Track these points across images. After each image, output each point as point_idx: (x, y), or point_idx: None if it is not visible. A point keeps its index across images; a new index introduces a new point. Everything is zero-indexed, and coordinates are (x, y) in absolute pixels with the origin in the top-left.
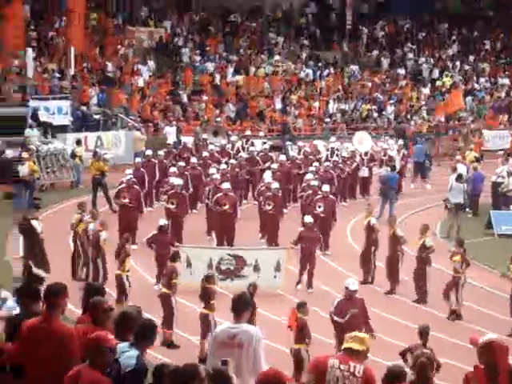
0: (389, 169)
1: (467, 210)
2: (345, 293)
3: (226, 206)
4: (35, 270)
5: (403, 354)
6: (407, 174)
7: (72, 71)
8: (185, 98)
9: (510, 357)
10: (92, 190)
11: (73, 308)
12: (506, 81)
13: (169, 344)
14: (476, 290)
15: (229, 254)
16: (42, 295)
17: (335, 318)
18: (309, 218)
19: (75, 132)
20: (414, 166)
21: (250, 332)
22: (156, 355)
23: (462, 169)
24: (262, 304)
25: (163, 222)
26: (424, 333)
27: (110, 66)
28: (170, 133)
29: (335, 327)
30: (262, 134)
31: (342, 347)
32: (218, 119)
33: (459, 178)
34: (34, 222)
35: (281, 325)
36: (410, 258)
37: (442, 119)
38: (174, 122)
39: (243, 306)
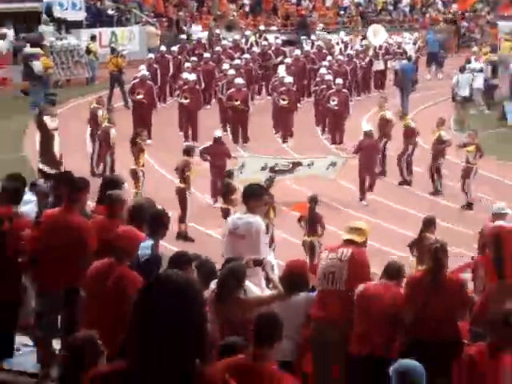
0: (404, 61)
1: (478, 102)
2: None
3: (238, 102)
4: (40, 166)
5: (411, 246)
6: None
7: None
8: None
9: None
10: (110, 86)
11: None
12: None
13: (184, 237)
14: (486, 181)
15: (287, 161)
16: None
17: None
18: (367, 126)
19: (89, 28)
20: (428, 56)
21: (251, 223)
22: (171, 247)
23: (475, 61)
24: None
25: (219, 132)
26: (427, 223)
27: None
28: (196, 32)
29: None
30: (275, 28)
31: (343, 238)
32: (233, 13)
33: (463, 69)
34: (45, 118)
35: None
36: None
37: (459, 11)
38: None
39: (249, 196)
